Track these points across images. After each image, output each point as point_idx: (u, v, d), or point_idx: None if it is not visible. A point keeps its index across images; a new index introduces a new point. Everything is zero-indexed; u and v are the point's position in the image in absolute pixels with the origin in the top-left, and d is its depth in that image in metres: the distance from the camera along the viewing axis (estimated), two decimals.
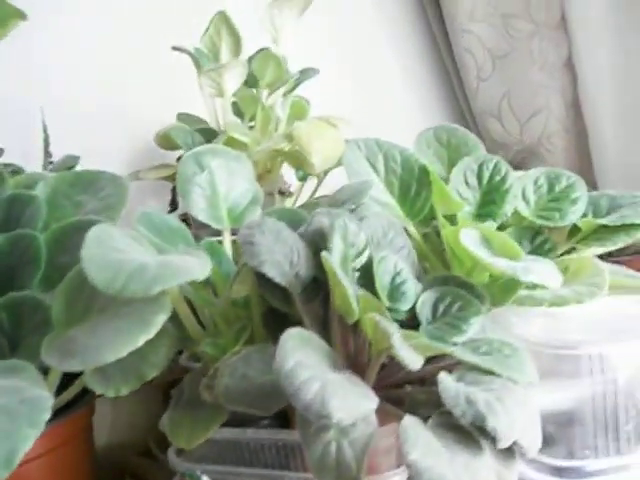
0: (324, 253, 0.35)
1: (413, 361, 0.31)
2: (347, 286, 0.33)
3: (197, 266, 0.34)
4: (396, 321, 0.41)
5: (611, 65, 0.97)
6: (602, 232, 0.55)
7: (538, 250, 0.58)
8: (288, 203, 0.70)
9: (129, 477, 0.61)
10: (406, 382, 0.37)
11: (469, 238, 0.43)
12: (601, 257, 0.60)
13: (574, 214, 0.56)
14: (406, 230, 0.57)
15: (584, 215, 0.57)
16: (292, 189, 0.71)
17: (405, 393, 0.37)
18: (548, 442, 0.42)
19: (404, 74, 1.07)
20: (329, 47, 1.01)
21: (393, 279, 0.41)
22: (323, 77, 1.01)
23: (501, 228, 0.59)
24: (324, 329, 0.37)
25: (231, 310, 0.40)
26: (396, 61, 1.06)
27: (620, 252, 0.78)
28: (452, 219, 0.58)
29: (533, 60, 0.97)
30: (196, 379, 0.40)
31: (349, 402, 0.29)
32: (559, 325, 0.40)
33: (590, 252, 0.58)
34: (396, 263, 0.41)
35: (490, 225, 0.56)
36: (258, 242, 0.35)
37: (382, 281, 0.40)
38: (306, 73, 0.59)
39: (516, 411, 0.32)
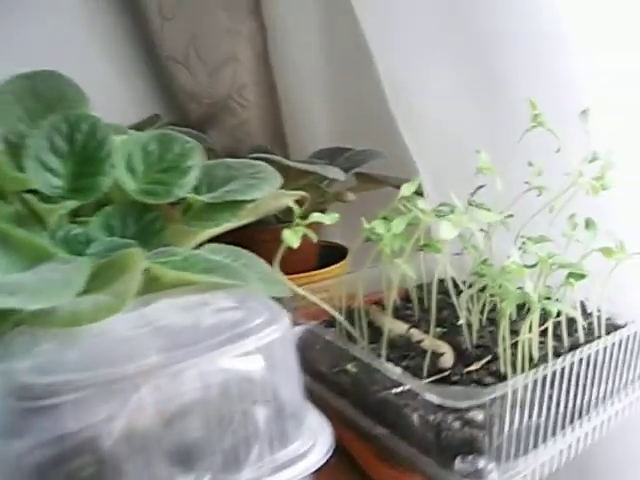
0: None
1: None
2: None
3: None
4: None
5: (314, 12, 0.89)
6: (209, 210, 0.46)
7: (146, 231, 0.48)
8: None
9: None
10: None
11: None
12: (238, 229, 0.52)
13: (181, 188, 0.47)
14: None
15: (197, 189, 0.49)
16: None
17: None
18: None
19: (83, 9, 0.89)
20: None
21: None
22: None
23: (102, 205, 0.48)
24: None
25: None
26: None
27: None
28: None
29: None
30: None
31: None
32: (63, 355, 0.30)
33: (207, 233, 0.50)
34: None
35: (72, 203, 0.45)
36: None
37: None
38: None
39: None
